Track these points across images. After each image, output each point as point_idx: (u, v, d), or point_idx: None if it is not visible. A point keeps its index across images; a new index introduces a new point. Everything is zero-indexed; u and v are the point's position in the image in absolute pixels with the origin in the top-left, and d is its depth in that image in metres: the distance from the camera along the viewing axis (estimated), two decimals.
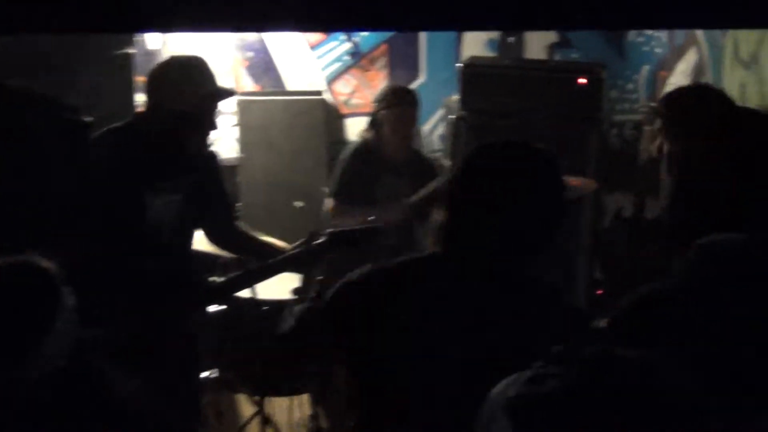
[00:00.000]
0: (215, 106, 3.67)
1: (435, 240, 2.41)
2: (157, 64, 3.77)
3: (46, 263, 2.37)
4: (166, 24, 1.77)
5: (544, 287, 2.36)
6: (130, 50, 5.33)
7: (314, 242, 3.82)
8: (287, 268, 3.93)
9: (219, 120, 3.75)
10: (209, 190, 3.80)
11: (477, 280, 2.26)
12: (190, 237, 3.87)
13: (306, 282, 4.67)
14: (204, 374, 4.48)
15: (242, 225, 4.17)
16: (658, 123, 3.69)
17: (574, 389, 1.28)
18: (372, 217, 4.12)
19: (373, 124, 5.18)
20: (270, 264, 3.81)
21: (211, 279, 4.00)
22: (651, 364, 1.32)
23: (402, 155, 5.16)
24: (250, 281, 3.74)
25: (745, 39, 5.30)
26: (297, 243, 3.88)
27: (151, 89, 3.65)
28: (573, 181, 4.91)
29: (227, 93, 3.78)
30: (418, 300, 2.27)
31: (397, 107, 5.09)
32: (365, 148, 5.20)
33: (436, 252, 2.35)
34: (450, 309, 2.24)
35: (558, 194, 2.30)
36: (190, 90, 3.58)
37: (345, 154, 5.31)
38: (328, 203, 5.16)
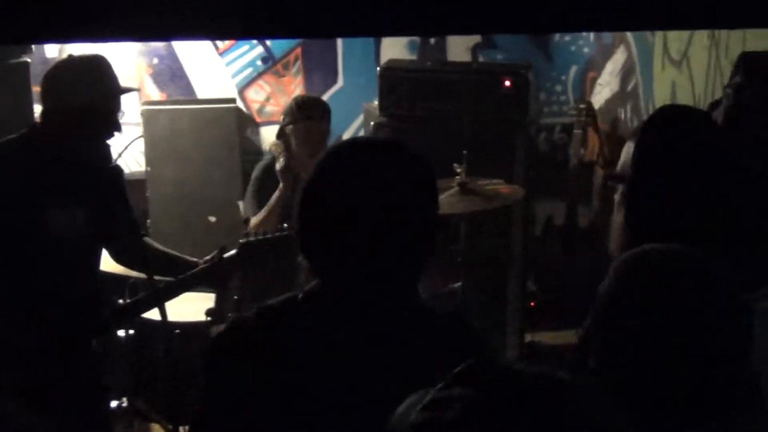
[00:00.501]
0: (118, 105, 3.64)
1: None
2: (52, 66, 3.73)
3: None
4: (65, 34, 1.76)
5: (429, 313, 2.19)
6: (27, 59, 5.28)
7: (225, 255, 3.82)
8: (199, 283, 3.92)
9: (122, 123, 3.72)
10: (114, 205, 3.76)
11: (351, 318, 2.07)
12: (95, 256, 3.82)
13: (220, 302, 4.67)
14: (113, 404, 4.44)
15: (150, 241, 4.15)
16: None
17: (480, 412, 1.27)
18: (285, 225, 4.11)
19: (281, 138, 5.18)
20: (180, 280, 3.80)
21: (119, 301, 3.98)
22: (562, 382, 1.31)
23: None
24: (161, 299, 3.71)
25: (676, 37, 5.41)
26: (208, 257, 3.88)
27: (46, 91, 3.60)
28: (501, 188, 4.97)
29: (129, 90, 3.76)
30: (289, 356, 2.06)
31: (303, 122, 5.07)
32: (274, 166, 5.18)
33: (310, 288, 2.14)
34: (329, 358, 2.05)
35: (431, 204, 2.12)
36: (89, 88, 3.54)
37: (257, 172, 5.30)
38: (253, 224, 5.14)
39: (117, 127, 3.64)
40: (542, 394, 1.27)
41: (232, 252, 3.85)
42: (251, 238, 3.87)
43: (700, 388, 1.75)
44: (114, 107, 3.62)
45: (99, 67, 3.61)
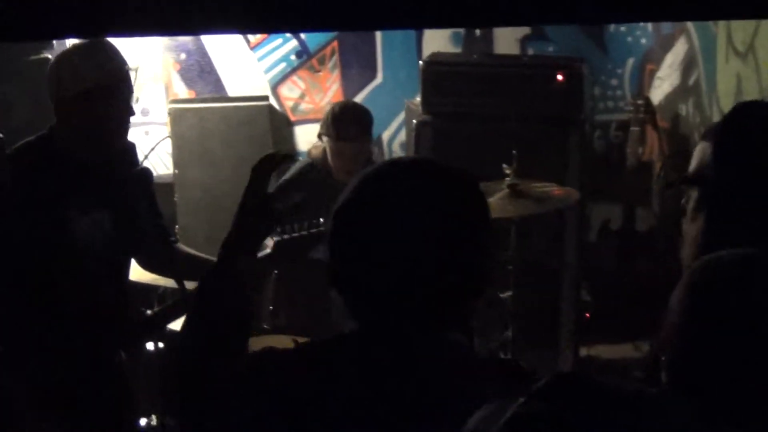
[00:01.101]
0: (123, 83, 3.63)
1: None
2: (56, 55, 3.71)
3: None
4: (88, 29, 1.77)
5: (479, 364, 2.14)
6: (47, 55, 5.33)
7: (259, 254, 3.85)
8: None
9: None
10: (142, 210, 3.79)
11: (390, 372, 1.99)
12: (124, 264, 3.86)
13: (255, 313, 4.69)
14: (142, 421, 4.48)
15: (180, 246, 4.18)
16: None
17: (564, 429, 1.28)
18: (321, 220, 4.09)
19: (321, 141, 5.19)
20: None
21: (147, 312, 4.01)
22: (645, 397, 1.31)
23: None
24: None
25: (740, 27, 5.38)
26: None
27: (53, 80, 3.60)
28: (554, 190, 4.97)
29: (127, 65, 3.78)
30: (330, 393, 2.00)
31: (337, 141, 5.07)
32: (312, 169, 5.20)
33: (348, 332, 2.08)
34: (364, 410, 1.98)
35: (483, 239, 2.05)
36: (94, 65, 3.54)
37: (288, 174, 5.31)
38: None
39: (129, 108, 3.63)
40: (625, 409, 1.28)
41: (266, 251, 3.87)
42: (285, 236, 3.89)
43: None
44: (117, 85, 3.60)
45: (95, 49, 3.60)
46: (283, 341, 4.39)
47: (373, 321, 2.02)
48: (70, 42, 6.13)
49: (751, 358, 1.74)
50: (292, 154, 3.03)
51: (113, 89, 3.59)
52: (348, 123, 5.10)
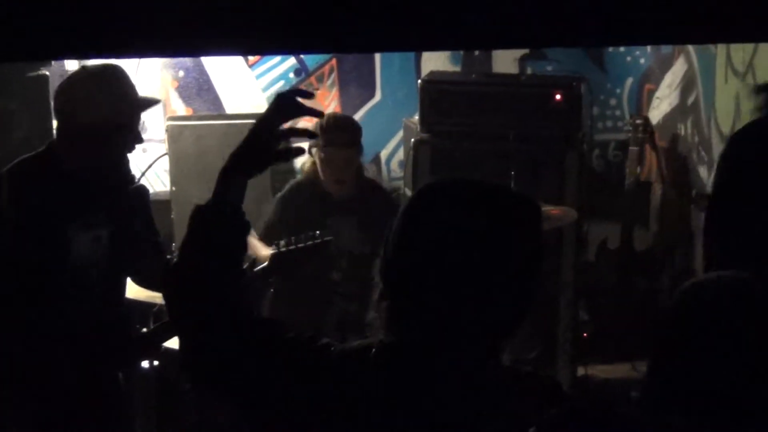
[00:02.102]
0: (137, 118, 3.65)
1: (384, 322, 2.14)
2: (66, 77, 3.71)
3: None
4: (86, 49, 1.79)
5: (510, 380, 2.11)
6: (45, 72, 5.35)
7: (257, 267, 3.86)
8: None
9: (144, 136, 3.73)
10: (138, 227, 3.79)
11: (426, 383, 2.01)
12: (120, 280, 3.86)
13: None
14: None
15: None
16: None
17: None
18: (318, 232, 4.11)
19: (311, 155, 5.21)
20: None
21: (143, 330, 4.01)
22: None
23: (347, 192, 5.17)
24: None
25: (740, 47, 5.39)
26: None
27: (59, 108, 3.62)
28: (551, 210, 4.98)
29: (151, 102, 3.79)
30: (357, 407, 2.03)
31: (326, 147, 5.07)
32: (306, 184, 5.22)
33: (385, 340, 2.08)
34: (397, 421, 2.00)
35: (535, 265, 2.06)
36: (108, 100, 3.54)
37: (283, 193, 5.34)
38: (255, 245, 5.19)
39: (138, 140, 3.65)
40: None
41: (264, 264, 3.88)
42: (282, 249, 3.90)
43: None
44: (133, 121, 3.63)
45: (114, 78, 3.61)
46: None
47: (421, 333, 2.02)
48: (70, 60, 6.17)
49: (730, 379, 1.76)
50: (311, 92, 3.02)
51: (127, 124, 3.60)
52: (337, 131, 5.11)
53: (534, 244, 2.05)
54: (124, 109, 3.59)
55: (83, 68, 3.75)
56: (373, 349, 2.06)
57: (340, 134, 5.09)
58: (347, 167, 5.12)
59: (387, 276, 2.07)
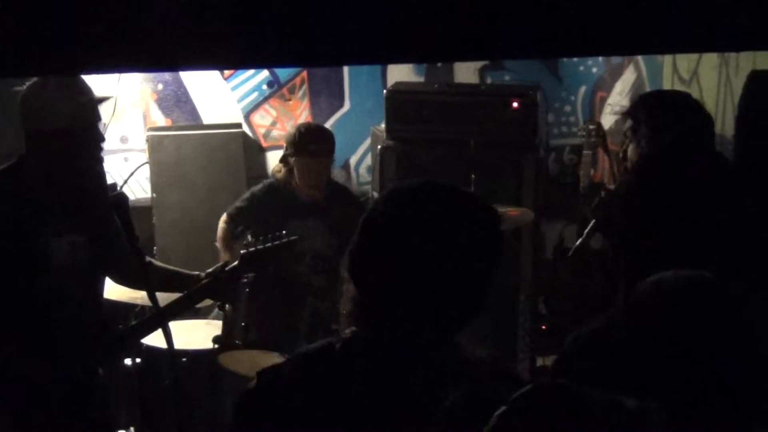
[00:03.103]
0: (96, 117, 3.61)
1: (348, 316, 2.14)
2: (26, 87, 3.64)
3: None
4: (66, 66, 1.78)
5: (469, 364, 2.14)
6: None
7: (228, 267, 3.87)
8: (204, 297, 3.94)
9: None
10: (118, 233, 3.76)
11: (391, 369, 2.02)
12: (99, 283, 3.83)
13: (227, 328, 4.70)
14: None
15: (154, 261, 4.16)
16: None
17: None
18: (284, 231, 4.12)
19: (285, 164, 5.23)
20: (185, 295, 3.82)
21: (122, 327, 3.99)
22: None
23: (318, 195, 5.21)
24: (167, 317, 3.71)
25: (685, 56, 5.43)
26: (211, 270, 3.91)
27: (22, 116, 3.58)
28: (510, 211, 4.99)
29: (103, 99, 3.76)
30: (329, 401, 2.03)
31: (304, 157, 5.13)
32: (278, 188, 5.24)
33: (351, 333, 2.10)
34: (369, 407, 2.01)
35: (490, 261, 2.09)
36: (63, 101, 3.51)
37: (258, 188, 5.38)
38: (221, 224, 5.20)
39: (101, 137, 3.62)
40: (605, 419, 1.29)
41: (234, 264, 3.89)
42: (251, 249, 3.93)
43: (726, 403, 1.78)
44: (92, 120, 3.59)
45: (68, 82, 3.56)
46: (255, 356, 4.41)
47: (385, 323, 2.04)
48: None
49: (690, 365, 1.78)
50: None
51: (85, 126, 3.56)
52: (318, 142, 5.19)
53: (487, 240, 2.08)
54: (81, 111, 3.55)
55: (40, 78, 3.70)
56: (337, 345, 2.08)
57: (321, 145, 5.18)
58: (323, 174, 5.22)
59: (353, 271, 2.08)
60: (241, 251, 3.94)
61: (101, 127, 3.65)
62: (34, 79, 3.51)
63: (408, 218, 2.03)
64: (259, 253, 3.94)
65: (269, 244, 3.97)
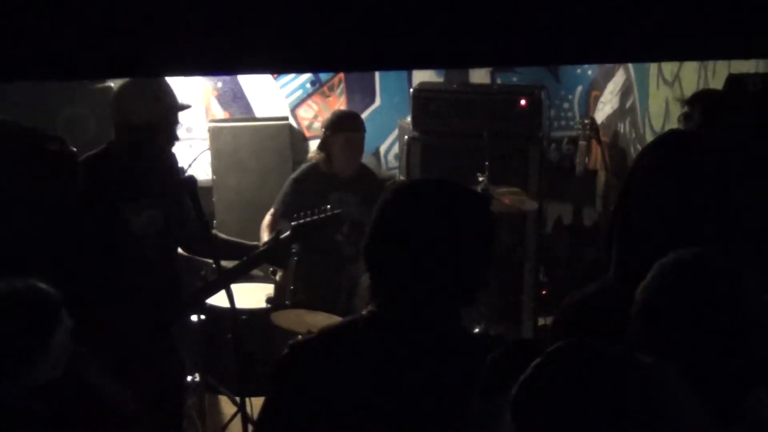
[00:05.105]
0: (176, 119, 3.65)
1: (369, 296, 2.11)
2: (119, 87, 3.72)
3: (46, 287, 2.41)
4: (142, 70, 1.81)
5: (469, 336, 2.15)
6: (110, 83, 5.35)
7: (282, 236, 3.89)
8: (263, 262, 3.97)
9: (190, 135, 3.73)
10: (188, 209, 3.80)
11: (405, 341, 2.00)
12: (172, 250, 3.86)
13: (278, 291, 4.72)
14: (188, 378, 4.50)
15: (218, 233, 4.19)
16: None
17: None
18: (328, 206, 4.12)
19: (323, 148, 5.23)
20: (248, 260, 3.84)
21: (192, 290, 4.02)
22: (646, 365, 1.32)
23: (351, 173, 5.20)
24: (230, 280, 3.74)
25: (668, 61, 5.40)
26: (268, 239, 3.93)
27: (114, 110, 3.63)
28: (518, 193, 4.99)
29: (185, 106, 3.79)
30: (353, 370, 2.01)
31: (344, 132, 5.12)
32: (315, 169, 5.25)
33: (370, 311, 2.06)
34: (388, 376, 1.98)
35: (488, 246, 2.06)
36: (151, 102, 3.56)
37: (297, 174, 5.36)
38: (266, 220, 5.21)
39: (175, 137, 3.66)
40: (625, 372, 1.29)
41: (287, 233, 3.91)
42: (301, 221, 3.94)
43: (735, 366, 1.77)
44: (172, 122, 3.63)
45: (157, 86, 3.62)
46: (301, 314, 4.43)
47: (399, 303, 2.01)
48: None
49: (705, 329, 1.76)
50: None
51: (165, 123, 3.60)
52: (352, 119, 5.25)
53: (483, 230, 2.06)
54: (162, 112, 3.59)
55: (133, 79, 3.74)
56: (360, 323, 2.05)
57: (354, 122, 5.21)
58: (359, 148, 5.20)
59: (368, 260, 2.06)
60: (293, 223, 3.95)
61: (177, 128, 3.68)
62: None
63: (413, 211, 2.01)
64: (308, 225, 3.95)
65: (316, 217, 3.98)
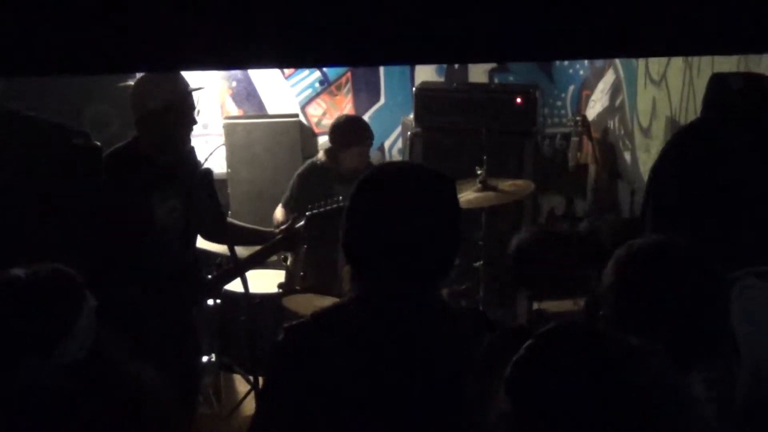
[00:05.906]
0: (192, 102, 3.62)
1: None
2: (135, 81, 3.69)
3: (71, 270, 2.40)
4: (161, 65, 1.80)
5: (451, 310, 2.11)
6: (132, 82, 5.33)
7: (297, 225, 3.88)
8: (279, 249, 3.96)
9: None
10: (205, 199, 3.79)
11: (390, 320, 1.97)
12: (191, 239, 3.86)
13: (289, 276, 4.72)
14: (204, 359, 4.51)
15: (233, 221, 4.18)
16: None
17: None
18: (340, 198, 4.12)
19: (330, 154, 5.21)
20: (266, 248, 3.84)
21: (209, 276, 4.02)
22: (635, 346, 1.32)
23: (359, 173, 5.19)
24: (247, 267, 3.72)
25: (655, 61, 5.37)
26: (283, 227, 3.93)
27: (132, 102, 3.61)
28: (514, 185, 4.98)
29: (198, 88, 3.77)
30: (345, 350, 1.97)
31: (357, 146, 5.14)
32: (321, 165, 5.23)
33: (352, 295, 2.03)
34: (380, 354, 1.95)
35: (455, 218, 2.02)
36: (166, 88, 3.54)
37: (301, 170, 5.35)
38: (278, 211, 5.19)
39: (193, 120, 3.63)
40: (617, 354, 1.29)
41: (302, 222, 3.90)
42: (314, 211, 3.93)
43: (692, 338, 1.79)
44: (189, 105, 3.61)
45: (169, 74, 3.59)
46: (311, 298, 4.42)
47: (374, 285, 2.00)
48: None
49: (664, 308, 1.78)
50: None
51: (180, 107, 3.59)
52: (362, 129, 5.23)
53: (449, 208, 2.02)
54: (177, 95, 3.57)
55: (144, 74, 3.71)
56: (349, 305, 2.03)
57: (364, 133, 5.21)
58: (366, 156, 5.23)
59: (345, 249, 2.02)
60: (306, 213, 3.94)
61: (195, 113, 3.66)
62: (133, 77, 3.53)
63: (381, 196, 1.98)
64: (320, 215, 3.94)
65: (329, 207, 3.97)
